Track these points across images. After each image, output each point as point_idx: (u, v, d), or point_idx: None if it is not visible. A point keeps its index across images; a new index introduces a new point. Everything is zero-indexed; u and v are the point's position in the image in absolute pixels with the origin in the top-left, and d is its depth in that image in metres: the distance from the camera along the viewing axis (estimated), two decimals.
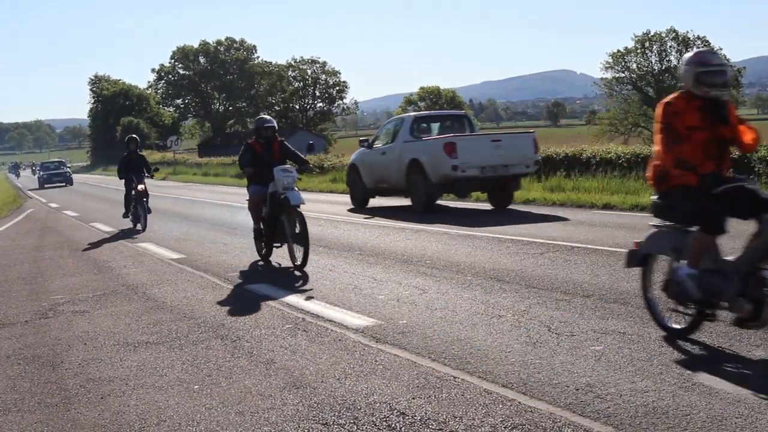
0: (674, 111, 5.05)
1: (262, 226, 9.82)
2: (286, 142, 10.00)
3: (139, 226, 15.16)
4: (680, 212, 5.12)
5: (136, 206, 15.25)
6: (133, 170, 15.58)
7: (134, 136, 16.58)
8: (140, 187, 15.12)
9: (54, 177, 47.76)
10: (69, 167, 54.91)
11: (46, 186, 46.04)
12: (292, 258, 9.08)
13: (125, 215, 15.90)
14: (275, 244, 9.68)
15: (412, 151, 15.20)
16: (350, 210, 16.84)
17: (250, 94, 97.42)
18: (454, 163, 14.13)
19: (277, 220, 9.32)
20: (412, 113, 18.78)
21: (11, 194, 38.83)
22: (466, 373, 4.79)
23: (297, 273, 8.88)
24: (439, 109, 73.79)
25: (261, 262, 9.91)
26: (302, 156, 10.09)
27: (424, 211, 14.68)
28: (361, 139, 19.66)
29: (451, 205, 16.23)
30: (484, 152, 14.51)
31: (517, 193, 15.83)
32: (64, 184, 46.73)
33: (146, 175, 15.97)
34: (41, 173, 49.32)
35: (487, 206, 15.56)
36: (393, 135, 16.52)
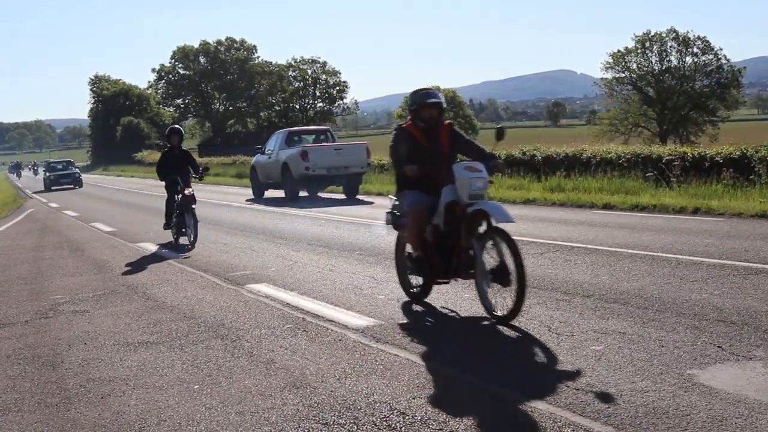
0: None
1: (414, 254, 6.64)
2: (456, 128, 6.79)
3: (183, 240, 12.38)
4: None
5: (182, 215, 12.27)
6: (176, 170, 12.56)
7: (177, 127, 13.45)
8: (187, 191, 12.19)
9: (62, 178, 43.79)
10: (78, 167, 49.89)
11: (53, 188, 42.35)
12: (487, 304, 6.05)
13: (167, 226, 12.89)
14: (441, 281, 6.67)
15: (284, 156, 20.70)
16: (248, 200, 22.00)
17: (250, 94, 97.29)
18: (306, 165, 19.99)
19: (448, 245, 6.27)
20: (288, 129, 24.85)
21: (11, 194, 38.84)
22: (466, 372, 4.79)
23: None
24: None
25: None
26: (483, 147, 6.72)
27: (292, 200, 20.28)
28: (257, 146, 24.91)
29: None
30: (329, 158, 20.26)
31: (517, 193, 16.66)
32: (72, 186, 42.87)
33: (193, 176, 12.89)
34: (47, 174, 44.97)
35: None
36: (274, 144, 22.03)
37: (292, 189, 20.62)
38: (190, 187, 12.39)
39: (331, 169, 20.18)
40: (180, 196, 12.30)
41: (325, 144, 21.75)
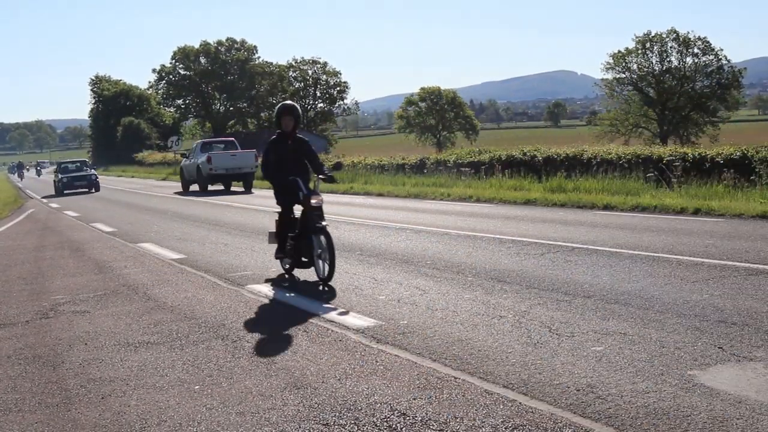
0: None
1: None
2: None
3: (302, 273, 8.66)
4: None
5: (308, 237, 8.16)
6: (291, 167, 8.44)
7: (291, 104, 8.74)
8: (314, 200, 8.11)
9: (76, 181, 37.20)
10: (94, 168, 44.30)
11: (65, 192, 36.09)
12: None
13: (279, 254, 8.76)
14: None
15: (198, 160, 29.12)
16: (176, 192, 29.93)
17: (250, 94, 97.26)
18: (210, 167, 28.27)
19: None
20: (203, 140, 36.74)
21: (12, 194, 38.84)
22: (467, 373, 4.79)
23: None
24: (439, 110, 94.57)
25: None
26: None
27: (203, 191, 28.55)
28: (182, 153, 38.78)
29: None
30: (227, 161, 28.66)
31: (518, 193, 16.99)
32: (88, 189, 36.56)
33: (318, 177, 8.54)
34: (60, 176, 37.88)
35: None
36: (194, 151, 30.91)
37: (203, 183, 29.07)
38: (318, 194, 8.26)
39: (229, 170, 28.61)
40: (303, 206, 8.28)
41: (225, 151, 30.25)
